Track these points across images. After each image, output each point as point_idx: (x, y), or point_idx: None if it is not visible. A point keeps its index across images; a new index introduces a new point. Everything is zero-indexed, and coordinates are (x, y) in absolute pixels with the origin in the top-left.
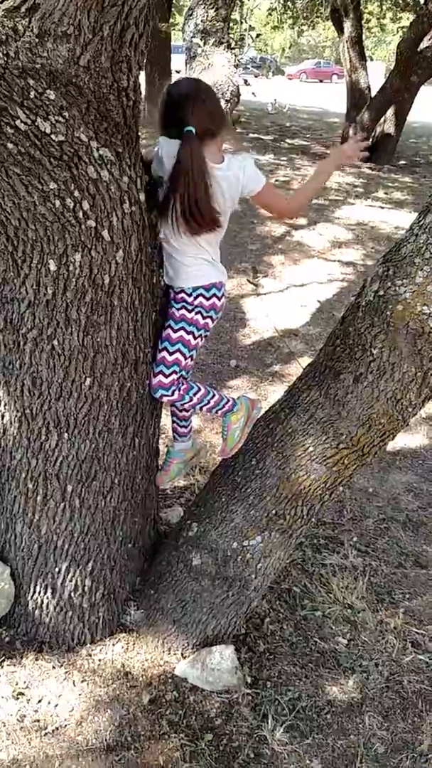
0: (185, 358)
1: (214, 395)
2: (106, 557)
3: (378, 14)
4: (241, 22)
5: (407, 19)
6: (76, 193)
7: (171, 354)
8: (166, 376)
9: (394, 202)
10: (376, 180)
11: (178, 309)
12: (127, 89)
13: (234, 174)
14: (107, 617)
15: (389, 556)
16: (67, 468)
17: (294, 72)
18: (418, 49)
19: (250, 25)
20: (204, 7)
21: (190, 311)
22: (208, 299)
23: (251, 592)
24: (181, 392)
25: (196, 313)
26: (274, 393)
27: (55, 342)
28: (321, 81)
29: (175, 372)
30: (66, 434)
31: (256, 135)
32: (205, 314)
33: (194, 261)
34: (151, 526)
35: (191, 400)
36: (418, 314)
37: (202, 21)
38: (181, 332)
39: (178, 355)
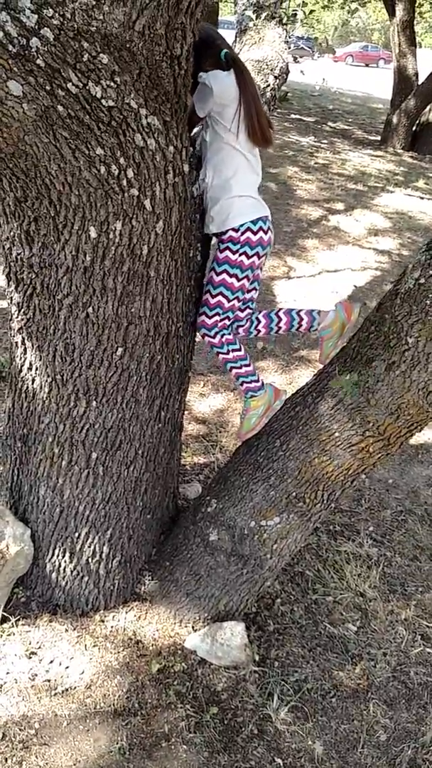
0: (228, 301)
1: (249, 365)
2: (125, 526)
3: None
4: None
5: None
6: (122, 161)
7: (213, 297)
8: (209, 317)
9: None
10: (417, 169)
11: (221, 251)
12: (180, 57)
13: None
14: (122, 585)
15: (405, 549)
16: (93, 435)
17: (340, 54)
18: None
19: (303, 1)
20: None
21: (234, 252)
22: (255, 233)
23: (265, 571)
24: (223, 339)
25: (241, 254)
26: (299, 378)
27: (90, 309)
28: (367, 65)
29: (218, 314)
30: (94, 402)
31: (297, 116)
32: (251, 252)
33: (239, 197)
34: (170, 500)
35: (227, 353)
36: None
37: None
38: (224, 275)
39: (220, 297)
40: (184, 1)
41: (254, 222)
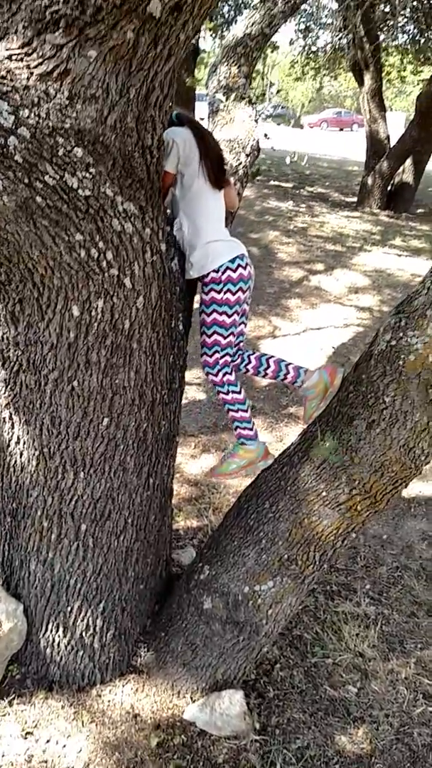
0: (224, 338)
1: (246, 411)
2: (118, 597)
3: (399, 67)
4: (263, 76)
5: (428, 71)
6: (101, 244)
7: (209, 337)
8: (210, 356)
9: (411, 250)
10: (393, 227)
11: (206, 293)
12: (152, 147)
13: None
14: (118, 658)
15: (402, 605)
16: (81, 507)
17: (315, 121)
18: None
19: (270, 81)
20: (227, 65)
21: (218, 291)
22: (234, 270)
23: (262, 637)
24: (224, 379)
25: (226, 292)
26: (288, 435)
27: (75, 383)
28: (341, 129)
29: (217, 352)
30: (82, 473)
31: (276, 183)
32: (234, 288)
33: (215, 241)
34: (163, 568)
35: (227, 393)
36: (430, 365)
37: (225, 77)
38: (214, 315)
39: (215, 336)
40: (152, 96)
41: (232, 261)
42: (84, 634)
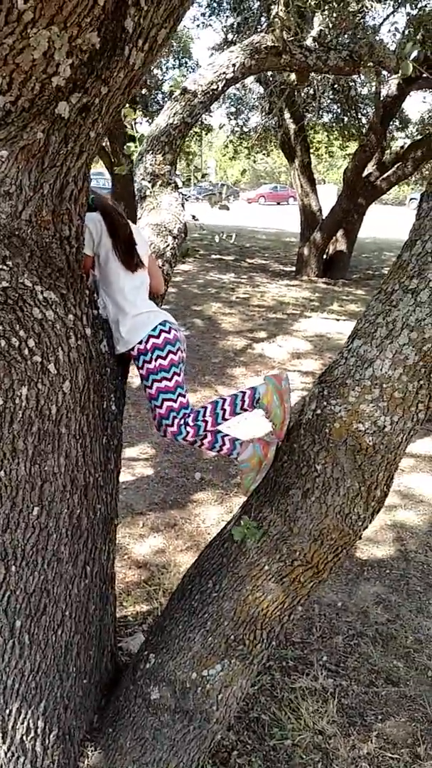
0: (175, 401)
1: (224, 400)
2: (60, 695)
3: (326, 143)
4: (200, 155)
5: (353, 147)
6: (22, 333)
7: (161, 407)
8: (172, 425)
9: (348, 314)
10: (331, 294)
11: (141, 367)
12: (69, 238)
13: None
14: (63, 761)
15: (360, 675)
16: (15, 602)
17: (253, 196)
18: (363, 175)
19: (195, 167)
20: (152, 153)
21: (149, 361)
22: (158, 337)
23: (213, 725)
24: (191, 433)
25: (156, 359)
26: (238, 506)
27: (2, 473)
28: (278, 203)
29: (176, 417)
30: (13, 567)
31: (218, 256)
32: (163, 353)
33: (137, 315)
34: (108, 659)
35: (203, 440)
36: (355, 431)
37: (151, 165)
38: (155, 385)
39: (167, 404)
40: (66, 191)
41: (154, 329)
42: (25, 737)
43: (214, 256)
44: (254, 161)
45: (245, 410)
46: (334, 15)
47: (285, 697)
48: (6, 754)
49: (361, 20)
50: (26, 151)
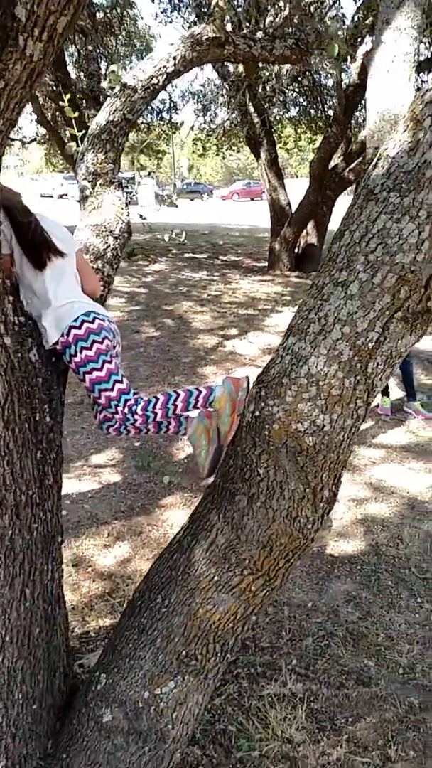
0: (111, 390)
1: (178, 395)
2: (6, 724)
3: (294, 137)
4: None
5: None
6: None
7: (100, 398)
8: (116, 412)
9: None
10: (303, 287)
11: (69, 361)
12: None
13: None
14: None
15: (330, 677)
16: None
17: (227, 193)
18: (330, 167)
19: (141, 165)
20: (93, 152)
21: (87, 347)
22: (92, 322)
23: (170, 744)
24: (140, 412)
25: (92, 343)
26: None
27: None
28: (252, 199)
29: (116, 405)
30: None
31: (191, 254)
32: (99, 338)
33: (65, 304)
34: (61, 681)
35: (155, 416)
36: (294, 432)
37: (92, 164)
38: (87, 377)
39: (105, 393)
40: None
41: (75, 320)
42: None
43: (186, 255)
44: (223, 158)
45: (196, 408)
46: (281, 3)
47: (253, 705)
48: None
49: (308, 8)
50: None
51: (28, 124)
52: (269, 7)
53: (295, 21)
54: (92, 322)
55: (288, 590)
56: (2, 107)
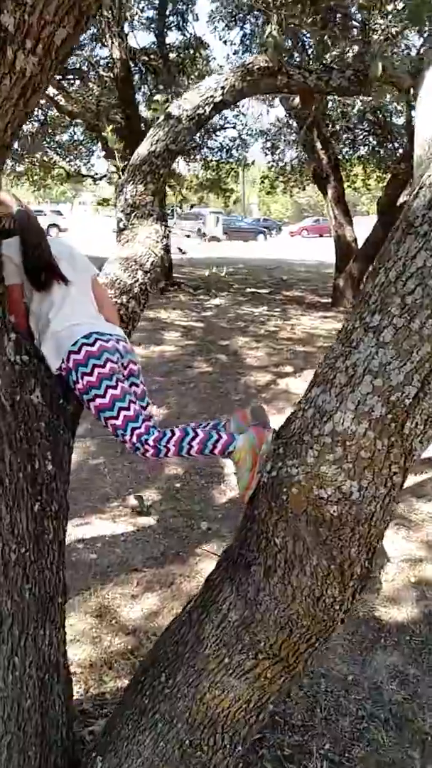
0: (117, 418)
1: (196, 434)
2: None
3: (362, 176)
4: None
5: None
6: None
7: (117, 418)
8: (125, 441)
9: None
10: None
11: (77, 381)
12: None
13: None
14: None
15: (367, 767)
16: None
17: (296, 229)
18: (397, 204)
19: (183, 198)
20: (133, 183)
21: (89, 373)
22: (92, 345)
23: None
24: (153, 446)
25: (93, 368)
26: None
27: None
28: (321, 236)
29: (123, 434)
30: None
31: (253, 289)
32: (100, 361)
33: (66, 327)
34: (58, 755)
35: (169, 450)
36: (315, 499)
37: (131, 196)
38: (91, 404)
39: (111, 421)
40: None
41: (87, 336)
42: None
43: (249, 290)
44: (291, 195)
45: (213, 455)
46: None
47: None
48: None
49: (366, 37)
50: None
51: (96, 160)
52: (333, 44)
53: (353, 52)
54: (92, 344)
55: (327, 660)
56: None
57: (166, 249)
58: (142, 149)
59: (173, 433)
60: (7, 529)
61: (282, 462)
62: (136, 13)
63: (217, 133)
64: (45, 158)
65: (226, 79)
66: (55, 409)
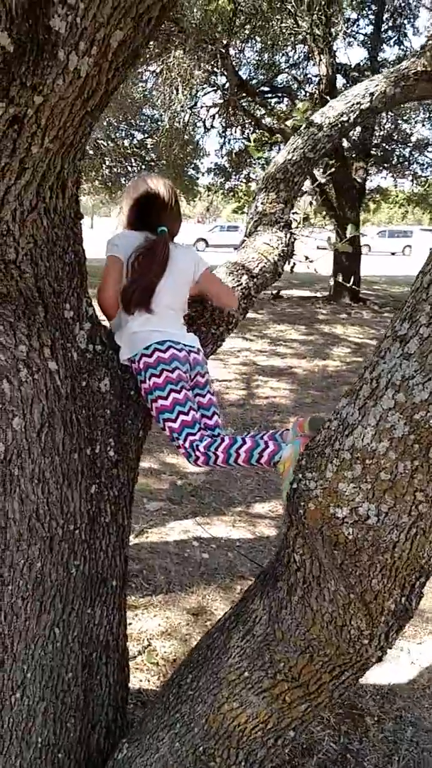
0: (174, 421)
1: (244, 442)
2: (19, 765)
3: None
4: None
5: None
6: None
7: (164, 429)
8: (181, 445)
9: None
10: None
11: (146, 380)
12: (17, 261)
13: (191, 259)
14: None
15: None
16: None
17: None
18: None
19: (306, 215)
20: (266, 192)
21: (144, 380)
22: (150, 356)
23: None
24: (203, 451)
25: (150, 377)
26: None
27: None
28: None
29: (177, 438)
30: None
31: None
32: (157, 371)
33: (134, 333)
34: (101, 736)
35: (218, 459)
36: (331, 518)
37: (262, 203)
38: (153, 405)
39: (168, 424)
40: (4, 211)
41: (161, 343)
42: None
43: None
44: None
45: (260, 464)
46: None
47: None
48: None
49: None
50: None
51: None
52: None
53: None
54: (164, 351)
55: (421, 708)
56: (43, 124)
57: (287, 255)
58: (279, 158)
59: (223, 441)
60: (54, 504)
61: (302, 474)
62: (349, 30)
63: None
64: (253, 175)
65: (377, 85)
66: (125, 400)
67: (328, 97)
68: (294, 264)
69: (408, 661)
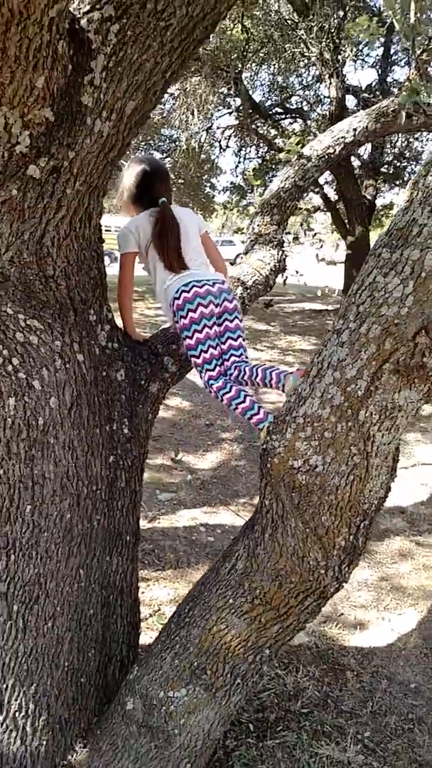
0: (198, 357)
1: (245, 402)
2: (50, 684)
3: None
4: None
5: None
6: (5, 352)
7: (198, 357)
8: (203, 375)
9: None
10: None
11: (178, 321)
12: (55, 276)
13: (192, 216)
14: (52, 748)
15: (399, 761)
16: (13, 588)
17: None
18: None
19: (305, 230)
20: (261, 215)
21: (183, 316)
22: (188, 291)
23: (176, 749)
24: (214, 389)
25: (188, 312)
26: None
27: (1, 471)
28: None
29: (200, 371)
30: (13, 556)
31: None
32: (193, 306)
33: (172, 281)
34: (116, 668)
35: (222, 399)
36: (290, 468)
37: (258, 225)
38: (187, 341)
39: (193, 359)
40: (46, 238)
41: (186, 285)
42: (17, 714)
43: None
44: None
45: (248, 422)
46: None
47: (303, 760)
48: (1, 725)
49: None
50: (6, 205)
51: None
52: None
53: None
54: (189, 291)
55: (397, 665)
56: (75, 172)
57: (279, 270)
58: (274, 185)
59: (230, 389)
60: (81, 468)
61: (270, 437)
62: (359, 53)
63: None
64: (252, 200)
65: (360, 121)
66: (136, 388)
67: (335, 120)
68: (286, 277)
69: (388, 629)
